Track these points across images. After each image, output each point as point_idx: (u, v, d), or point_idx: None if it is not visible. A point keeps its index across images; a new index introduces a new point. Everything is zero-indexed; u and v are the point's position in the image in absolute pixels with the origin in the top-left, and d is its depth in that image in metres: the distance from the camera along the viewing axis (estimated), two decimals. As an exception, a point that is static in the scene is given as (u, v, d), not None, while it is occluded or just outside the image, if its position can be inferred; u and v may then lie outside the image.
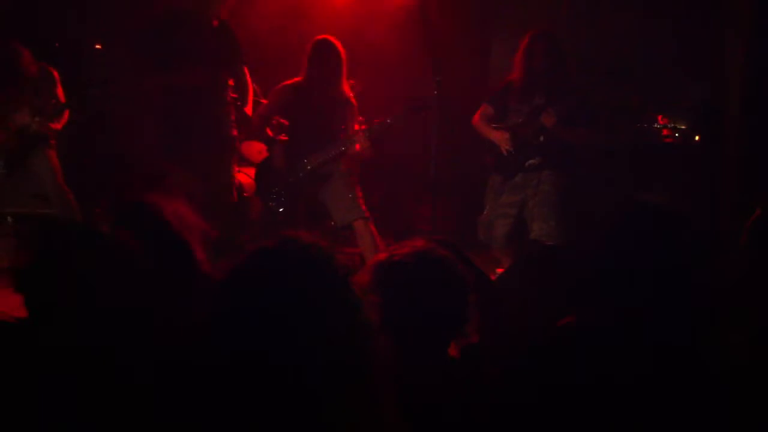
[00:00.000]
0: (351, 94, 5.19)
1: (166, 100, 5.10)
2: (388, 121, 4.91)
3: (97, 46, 6.39)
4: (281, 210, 5.18)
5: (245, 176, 6.05)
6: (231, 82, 5.29)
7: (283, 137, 5.38)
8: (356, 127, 5.16)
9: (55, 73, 5.28)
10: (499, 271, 4.86)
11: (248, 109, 5.39)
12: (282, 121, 5.46)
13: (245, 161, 6.30)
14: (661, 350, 1.73)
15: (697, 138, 6.24)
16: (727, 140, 5.88)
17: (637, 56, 6.29)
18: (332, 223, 5.27)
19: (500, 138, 5.05)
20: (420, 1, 5.66)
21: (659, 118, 6.27)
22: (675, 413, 1.70)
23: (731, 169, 5.78)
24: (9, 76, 5.07)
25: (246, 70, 5.37)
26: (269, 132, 5.42)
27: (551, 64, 4.96)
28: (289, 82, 5.20)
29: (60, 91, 5.27)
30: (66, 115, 5.30)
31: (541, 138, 4.96)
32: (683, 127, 6.22)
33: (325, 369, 1.32)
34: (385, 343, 1.44)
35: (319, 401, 1.31)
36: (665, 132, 6.28)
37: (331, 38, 5.06)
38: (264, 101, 5.63)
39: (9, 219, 6.05)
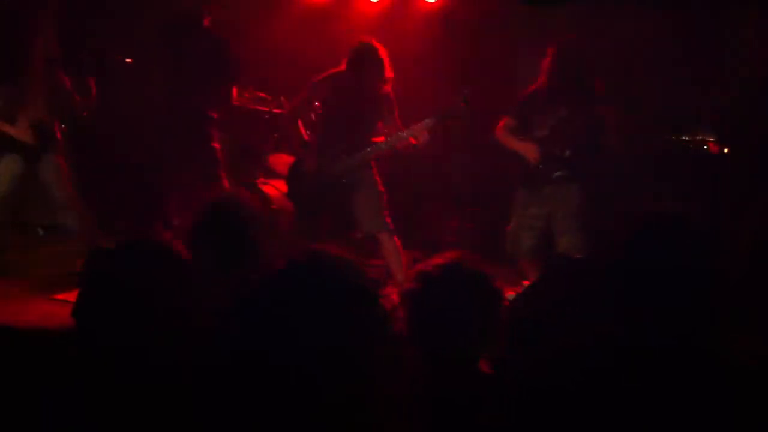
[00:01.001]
0: (389, 89, 5.07)
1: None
2: (462, 104, 4.80)
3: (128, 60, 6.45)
4: (312, 216, 5.15)
5: (272, 188, 6.07)
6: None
7: (314, 139, 5.32)
8: (398, 122, 5.06)
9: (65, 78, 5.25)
10: (526, 283, 4.83)
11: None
12: (309, 124, 5.44)
13: (273, 173, 6.33)
14: (673, 352, 1.73)
15: (726, 150, 6.18)
16: (754, 150, 5.82)
17: (662, 66, 6.26)
18: (358, 234, 5.27)
19: (527, 150, 5.01)
20: (446, 10, 5.66)
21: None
22: (685, 415, 1.69)
23: (759, 179, 5.72)
24: (22, 65, 4.95)
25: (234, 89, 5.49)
26: (303, 133, 5.38)
27: (578, 76, 4.92)
28: (325, 75, 5.13)
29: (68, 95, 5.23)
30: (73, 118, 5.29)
31: (567, 152, 4.92)
32: (711, 139, 6.17)
33: (347, 379, 1.32)
34: (414, 356, 1.45)
35: (340, 411, 1.31)
36: (692, 144, 6.23)
37: (375, 42, 4.98)
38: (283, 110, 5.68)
39: (40, 231, 6.11)
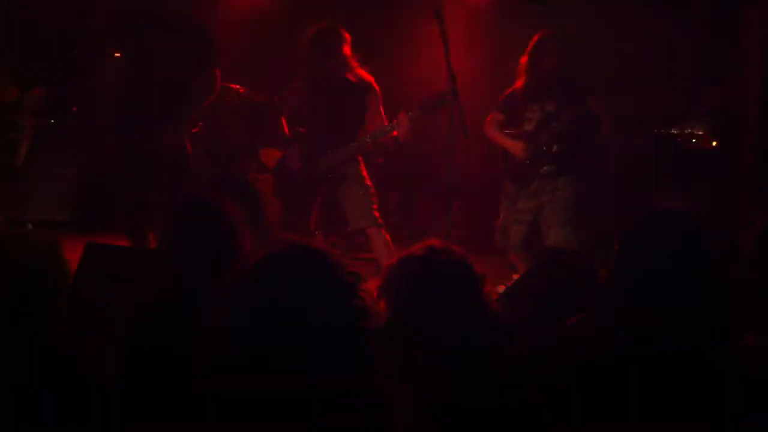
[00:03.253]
0: (371, 79, 4.99)
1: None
2: (441, 99, 4.57)
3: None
4: (299, 212, 5.13)
5: (263, 183, 6.07)
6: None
7: (300, 135, 5.24)
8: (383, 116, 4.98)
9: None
10: (515, 276, 4.85)
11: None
12: (299, 119, 5.36)
13: (263, 168, 6.32)
14: (677, 353, 1.74)
15: (714, 143, 6.21)
16: (745, 145, 5.85)
17: (653, 61, 6.28)
18: (348, 229, 5.26)
19: (515, 147, 5.02)
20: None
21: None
22: (689, 414, 1.70)
23: (749, 174, 5.75)
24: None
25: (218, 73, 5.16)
26: (285, 131, 5.31)
27: (561, 69, 4.91)
28: (297, 79, 5.08)
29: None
30: None
31: (555, 147, 4.93)
32: (700, 132, 6.19)
33: (326, 373, 1.33)
34: (395, 350, 1.45)
35: (321, 405, 1.32)
36: (681, 138, 6.25)
37: (331, 23, 4.89)
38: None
39: (30, 226, 6.10)
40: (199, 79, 4.99)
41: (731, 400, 1.73)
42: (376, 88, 4.99)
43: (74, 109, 5.61)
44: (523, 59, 4.99)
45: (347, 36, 4.90)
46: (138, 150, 4.92)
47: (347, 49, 4.90)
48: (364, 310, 1.38)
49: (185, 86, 4.98)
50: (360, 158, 5.08)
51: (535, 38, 4.95)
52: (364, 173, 5.09)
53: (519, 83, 5.03)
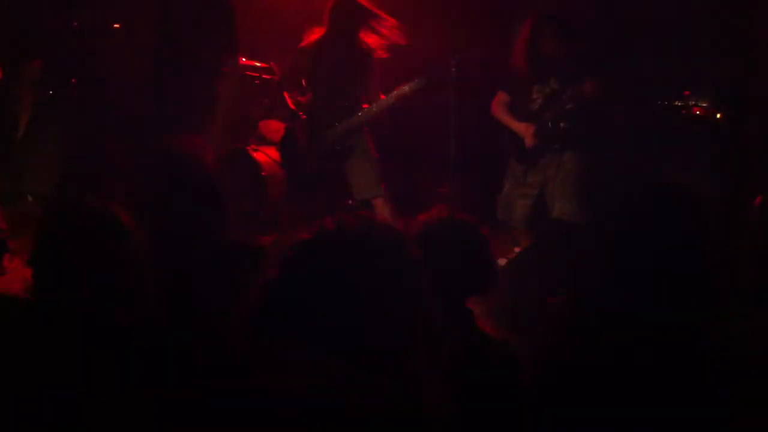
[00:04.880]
0: (373, 50, 4.97)
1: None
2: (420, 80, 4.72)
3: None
4: (307, 185, 5.11)
5: (263, 155, 6.03)
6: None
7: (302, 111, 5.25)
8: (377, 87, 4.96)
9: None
10: (517, 250, 4.84)
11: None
12: (300, 90, 5.34)
13: (264, 140, 6.28)
14: (671, 334, 1.72)
15: (718, 115, 6.16)
16: (752, 117, 5.80)
17: (659, 32, 6.20)
18: (350, 201, 5.25)
19: (524, 131, 4.98)
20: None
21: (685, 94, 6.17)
22: (685, 399, 1.68)
23: (755, 146, 5.71)
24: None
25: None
26: (289, 104, 5.28)
27: (561, 48, 4.88)
28: (309, 40, 5.05)
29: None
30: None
31: (561, 124, 4.92)
32: (705, 104, 6.14)
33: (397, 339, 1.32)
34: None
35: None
36: (685, 110, 6.20)
37: None
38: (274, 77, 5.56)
39: (29, 198, 6.07)
40: (224, 55, 5.00)
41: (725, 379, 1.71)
42: (376, 58, 4.96)
43: (73, 81, 5.56)
44: (520, 40, 4.94)
45: (369, 7, 4.88)
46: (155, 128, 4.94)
47: (366, 21, 4.88)
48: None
49: (209, 62, 4.98)
50: (366, 130, 5.06)
51: (531, 22, 4.90)
52: (371, 144, 5.07)
53: (520, 65, 4.98)
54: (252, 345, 1.32)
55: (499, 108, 5.10)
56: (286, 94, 5.22)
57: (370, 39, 4.93)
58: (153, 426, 1.30)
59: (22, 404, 1.61)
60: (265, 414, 1.21)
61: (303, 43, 5.09)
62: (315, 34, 5.01)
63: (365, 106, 4.98)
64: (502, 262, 4.25)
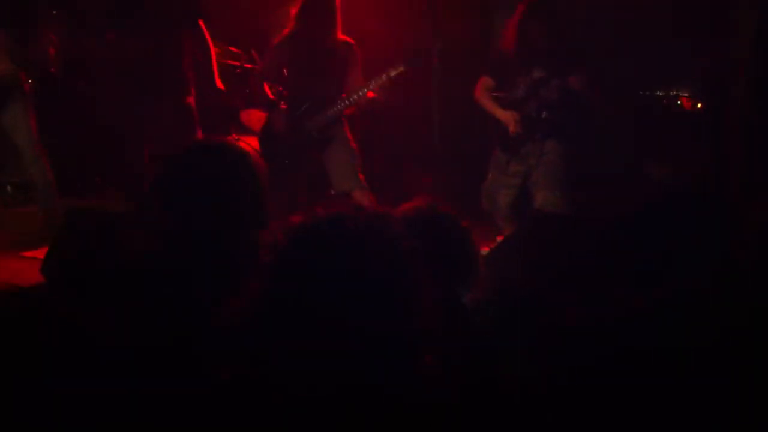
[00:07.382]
0: (352, 42, 4.98)
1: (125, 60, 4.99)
2: (402, 67, 4.72)
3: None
4: (286, 175, 5.09)
5: (245, 145, 6.00)
6: (188, 41, 5.07)
7: (283, 101, 5.26)
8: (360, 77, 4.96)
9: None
10: (500, 238, 4.84)
11: (213, 70, 5.18)
12: (280, 81, 5.33)
13: (245, 130, 6.26)
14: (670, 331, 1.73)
15: (699, 105, 6.20)
16: (732, 107, 5.83)
17: (641, 24, 6.22)
18: (331, 191, 5.24)
19: (507, 118, 4.97)
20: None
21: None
22: (684, 399, 1.69)
23: (735, 137, 5.75)
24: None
25: (204, 27, 5.10)
26: (269, 94, 5.26)
27: (549, 37, 4.86)
28: (283, 34, 5.05)
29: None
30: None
31: (544, 114, 4.91)
32: (686, 95, 6.18)
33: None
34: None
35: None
36: (666, 100, 6.23)
37: None
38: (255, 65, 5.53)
39: (9, 188, 6.03)
40: (189, 33, 4.98)
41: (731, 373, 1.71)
42: (357, 50, 4.96)
43: (52, 71, 5.49)
44: (511, 25, 4.93)
45: (335, 3, 4.87)
46: (139, 112, 4.98)
47: (333, 17, 4.87)
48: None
49: (176, 42, 4.95)
50: (345, 120, 5.05)
51: (523, 5, 4.89)
52: (350, 135, 5.07)
53: (507, 47, 4.97)
54: (250, 335, 1.31)
55: (482, 92, 5.06)
56: (265, 85, 5.21)
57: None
58: (155, 421, 1.29)
59: (22, 404, 1.59)
60: (265, 408, 1.20)
61: (278, 39, 5.09)
62: (288, 29, 5.01)
63: (343, 95, 4.97)
64: (485, 250, 4.25)
